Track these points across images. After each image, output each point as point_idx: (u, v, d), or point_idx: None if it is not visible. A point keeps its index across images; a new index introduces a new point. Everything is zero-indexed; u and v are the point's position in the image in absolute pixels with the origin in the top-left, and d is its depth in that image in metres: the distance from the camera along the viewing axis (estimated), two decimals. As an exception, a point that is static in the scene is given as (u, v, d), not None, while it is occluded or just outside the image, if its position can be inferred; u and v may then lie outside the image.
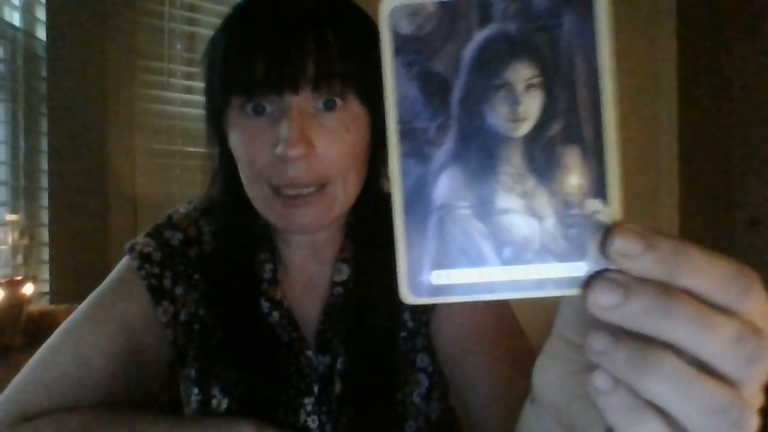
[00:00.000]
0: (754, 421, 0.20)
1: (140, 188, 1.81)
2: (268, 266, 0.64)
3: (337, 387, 0.61)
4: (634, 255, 0.20)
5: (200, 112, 0.62)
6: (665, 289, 0.20)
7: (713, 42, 3.57)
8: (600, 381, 0.21)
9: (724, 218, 3.67)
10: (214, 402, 0.61)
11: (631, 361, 0.20)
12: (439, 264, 0.22)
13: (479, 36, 0.22)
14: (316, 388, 0.61)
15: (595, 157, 0.21)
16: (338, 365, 0.61)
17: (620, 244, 0.21)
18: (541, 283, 0.22)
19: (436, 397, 0.65)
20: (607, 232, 0.21)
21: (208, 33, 0.60)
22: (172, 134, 1.88)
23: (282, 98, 0.52)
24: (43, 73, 1.55)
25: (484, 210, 0.22)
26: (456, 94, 0.22)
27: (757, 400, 0.21)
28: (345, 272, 0.64)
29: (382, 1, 0.22)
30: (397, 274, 0.22)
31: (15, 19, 1.48)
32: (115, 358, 0.59)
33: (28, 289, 1.27)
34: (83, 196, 1.67)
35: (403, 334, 0.64)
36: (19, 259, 1.46)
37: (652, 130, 2.43)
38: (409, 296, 0.22)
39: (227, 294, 0.62)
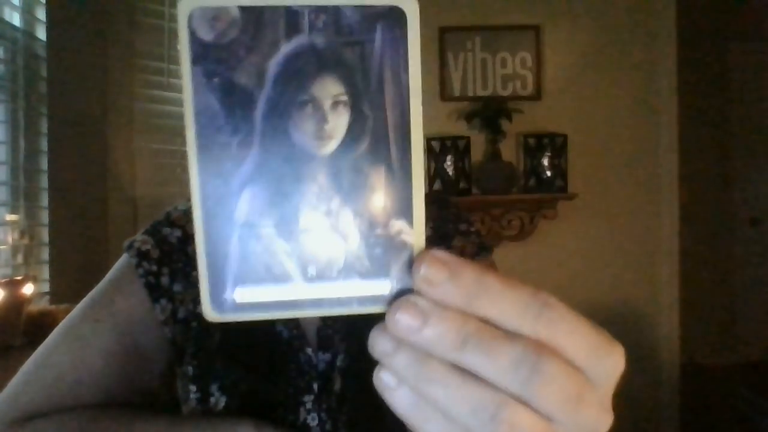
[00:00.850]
0: (516, 416, 0.21)
1: (140, 188, 1.81)
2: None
3: (337, 384, 0.61)
4: (437, 282, 0.21)
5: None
6: (458, 317, 0.21)
7: (713, 42, 3.57)
8: (386, 378, 0.22)
9: (724, 218, 3.67)
10: (213, 400, 0.61)
11: (409, 367, 0.21)
12: (243, 281, 0.21)
13: (285, 48, 0.20)
14: (315, 386, 0.61)
15: (400, 178, 0.21)
16: (338, 363, 0.61)
17: (425, 270, 0.21)
18: (345, 301, 0.22)
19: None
20: (412, 256, 0.22)
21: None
22: (172, 134, 1.88)
23: None
24: (43, 73, 1.55)
25: (288, 228, 0.21)
26: (259, 108, 0.20)
27: (575, 426, 0.21)
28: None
29: (180, 1, 0.20)
30: (200, 292, 0.21)
31: (15, 19, 1.48)
32: (113, 356, 0.59)
33: (28, 289, 1.27)
34: (83, 196, 1.67)
35: (404, 331, 0.64)
36: (19, 259, 1.46)
37: (652, 130, 2.43)
38: (211, 313, 0.21)
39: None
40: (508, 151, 2.33)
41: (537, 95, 2.36)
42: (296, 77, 0.20)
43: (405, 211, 0.21)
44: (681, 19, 2.43)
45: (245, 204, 0.21)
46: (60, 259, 1.56)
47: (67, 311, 0.62)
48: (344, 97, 0.21)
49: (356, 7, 0.20)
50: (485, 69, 2.35)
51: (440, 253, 0.21)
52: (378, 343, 0.22)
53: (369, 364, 0.67)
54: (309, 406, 0.61)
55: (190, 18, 0.20)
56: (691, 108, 3.07)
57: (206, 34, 0.20)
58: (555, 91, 2.38)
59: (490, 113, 2.24)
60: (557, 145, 2.29)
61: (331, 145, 0.21)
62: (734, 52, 3.65)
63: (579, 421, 0.21)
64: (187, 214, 0.67)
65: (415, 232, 0.22)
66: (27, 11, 1.53)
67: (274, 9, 0.20)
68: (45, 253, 1.54)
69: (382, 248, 0.22)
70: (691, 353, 3.26)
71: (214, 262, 0.21)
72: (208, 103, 0.20)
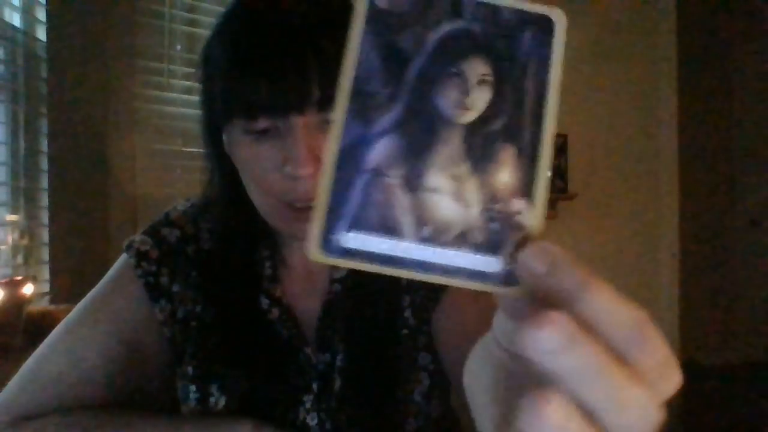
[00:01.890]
0: None
1: (140, 188, 1.81)
2: (268, 263, 0.64)
3: (337, 384, 0.61)
4: (536, 273, 0.20)
5: (200, 112, 0.62)
6: (597, 353, 0.19)
7: (713, 42, 3.57)
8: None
9: (724, 218, 3.67)
10: (212, 400, 0.61)
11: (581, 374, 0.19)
12: (356, 226, 0.21)
13: (446, 26, 0.23)
14: (315, 386, 0.61)
15: (528, 160, 0.22)
16: (338, 362, 0.61)
17: (526, 258, 0.21)
18: (452, 270, 0.22)
19: (437, 395, 0.65)
20: (522, 238, 0.21)
21: (208, 33, 0.59)
22: (172, 134, 1.88)
23: (287, 118, 0.51)
24: (43, 73, 1.56)
25: (413, 183, 0.22)
26: (413, 70, 0.23)
27: None
28: (344, 269, 0.64)
29: None
30: (311, 229, 0.21)
31: (15, 19, 1.49)
32: (112, 357, 0.59)
33: (28, 289, 1.27)
34: (83, 196, 1.67)
35: (405, 331, 0.64)
36: (20, 259, 1.46)
37: (652, 130, 2.43)
38: (317, 253, 0.21)
39: (226, 291, 0.62)
40: (508, 151, 2.33)
41: (537, 95, 2.36)
42: (451, 52, 0.23)
43: (528, 192, 0.22)
44: (681, 19, 2.43)
45: (378, 151, 0.22)
46: (60, 259, 1.56)
47: (67, 311, 0.63)
48: (489, 78, 0.23)
49: (513, 9, 0.23)
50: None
51: (547, 245, 0.21)
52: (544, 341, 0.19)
53: (368, 364, 0.67)
54: (308, 405, 0.61)
55: None
56: (691, 108, 3.07)
57: (382, 3, 0.23)
58: (555, 91, 2.38)
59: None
60: (557, 145, 2.30)
61: (470, 116, 0.23)
62: (735, 51, 3.65)
63: None
64: (187, 214, 0.67)
65: (534, 215, 0.22)
66: (27, 11, 1.53)
67: None
68: (45, 254, 1.54)
69: (500, 225, 0.22)
70: (691, 353, 3.26)
71: (333, 202, 0.21)
72: (370, 56, 0.23)
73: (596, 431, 0.20)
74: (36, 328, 1.25)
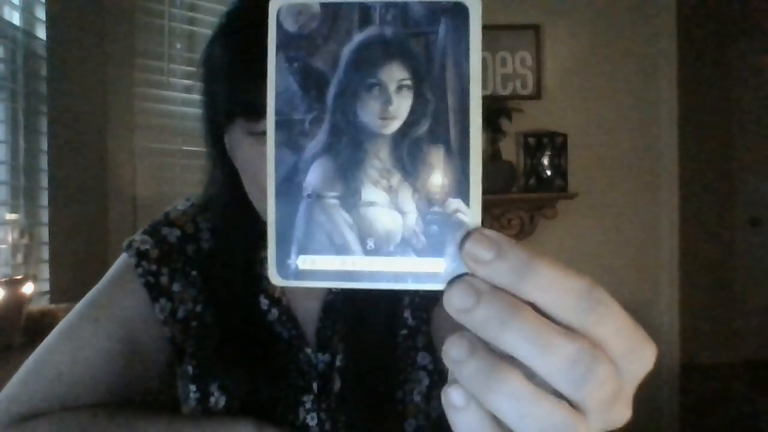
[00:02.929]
0: None
1: (140, 188, 1.81)
2: (268, 263, 0.64)
3: (337, 385, 0.61)
4: (484, 261, 0.21)
5: (200, 111, 0.62)
6: (512, 300, 0.20)
7: (713, 41, 3.57)
8: (455, 396, 0.21)
9: (724, 218, 3.67)
10: (212, 399, 0.61)
11: (480, 375, 0.20)
12: (306, 249, 0.23)
13: (358, 37, 0.23)
14: (315, 386, 0.61)
15: (458, 158, 0.22)
16: (338, 363, 0.61)
17: (471, 247, 0.21)
18: (401, 276, 0.22)
19: (437, 395, 0.65)
20: (464, 234, 0.22)
21: (208, 32, 0.58)
22: (172, 133, 1.88)
23: None
24: (43, 72, 1.55)
25: (351, 201, 0.23)
26: (332, 89, 0.23)
27: (603, 420, 0.21)
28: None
29: None
30: (267, 256, 0.23)
31: (15, 18, 1.48)
32: (112, 356, 0.59)
33: (28, 288, 1.27)
34: (83, 196, 1.67)
35: (404, 332, 0.64)
36: (19, 258, 1.46)
37: (652, 129, 2.43)
38: (276, 277, 0.23)
39: (226, 290, 0.62)
40: (508, 150, 2.33)
41: (537, 94, 2.36)
42: (366, 63, 0.23)
43: (462, 190, 0.22)
44: (681, 19, 2.43)
45: (313, 176, 0.23)
46: (60, 258, 1.55)
47: (67, 310, 0.62)
48: (408, 82, 0.22)
49: (422, 2, 0.22)
50: (485, 68, 2.35)
51: (489, 232, 0.21)
52: (451, 350, 0.21)
53: (367, 364, 0.67)
54: (308, 405, 0.61)
55: (279, 12, 0.23)
56: (691, 108, 3.07)
57: (291, 26, 0.23)
58: (555, 91, 2.38)
59: (490, 112, 2.24)
60: (557, 144, 2.29)
61: (394, 125, 0.23)
62: (734, 51, 3.65)
63: (608, 417, 0.21)
64: (186, 214, 0.67)
65: (471, 212, 0.22)
66: (27, 10, 1.53)
67: (349, 4, 0.23)
68: (45, 253, 1.54)
69: (439, 226, 0.22)
70: (691, 353, 3.26)
71: (282, 229, 0.23)
72: (288, 84, 0.23)
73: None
74: (36, 327, 1.25)
